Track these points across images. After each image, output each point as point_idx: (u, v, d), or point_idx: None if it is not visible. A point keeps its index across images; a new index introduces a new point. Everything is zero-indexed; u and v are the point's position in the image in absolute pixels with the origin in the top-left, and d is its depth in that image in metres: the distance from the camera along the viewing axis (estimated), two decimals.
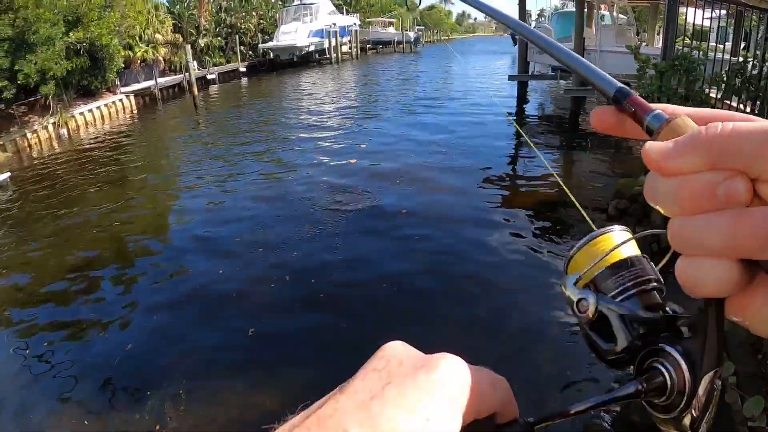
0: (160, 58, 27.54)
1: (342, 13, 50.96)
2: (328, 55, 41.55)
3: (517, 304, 6.64)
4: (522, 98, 20.84)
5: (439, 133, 15.69)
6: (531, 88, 23.64)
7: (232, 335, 6.11)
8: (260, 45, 37.27)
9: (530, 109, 21.43)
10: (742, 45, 9.92)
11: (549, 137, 16.43)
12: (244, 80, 32.50)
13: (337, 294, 6.90)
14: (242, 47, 35.90)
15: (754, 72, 7.84)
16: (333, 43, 41.57)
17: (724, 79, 8.13)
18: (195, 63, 26.54)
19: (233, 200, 10.52)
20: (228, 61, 34.37)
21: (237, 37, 35.43)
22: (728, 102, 8.24)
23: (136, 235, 9.14)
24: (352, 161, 13.06)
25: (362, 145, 14.81)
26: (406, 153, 13.56)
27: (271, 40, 37.92)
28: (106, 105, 20.98)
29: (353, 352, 5.34)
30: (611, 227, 0.55)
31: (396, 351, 0.42)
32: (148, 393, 5.12)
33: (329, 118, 18.77)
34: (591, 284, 0.50)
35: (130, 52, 24.81)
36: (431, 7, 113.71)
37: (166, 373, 5.42)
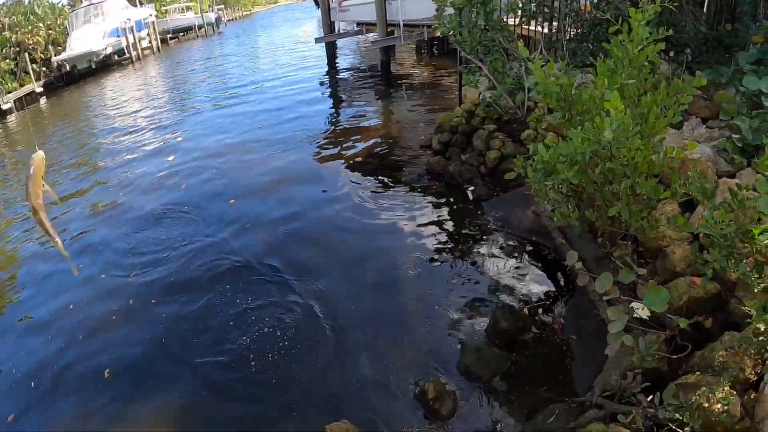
0: None
1: (135, 5, 47.23)
2: (128, 54, 38.20)
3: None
4: (332, 58, 20.61)
5: (255, 115, 14.81)
6: (341, 46, 23.42)
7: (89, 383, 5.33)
8: (53, 58, 33.31)
9: (343, 67, 21.23)
10: None
11: (366, 89, 16.41)
12: (43, 101, 28.75)
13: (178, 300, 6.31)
14: (35, 65, 31.44)
15: None
16: (131, 41, 37.90)
17: (520, 6, 8.34)
18: None
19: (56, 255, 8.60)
20: (22, 85, 30.18)
21: (27, 55, 31.27)
22: (527, 27, 8.48)
23: None
24: (170, 158, 12.06)
25: (179, 139, 13.73)
26: (223, 140, 12.69)
27: (64, 50, 34.16)
28: None
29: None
30: None
31: None
32: None
33: (141, 124, 16.76)
34: None
35: None
36: None
37: None
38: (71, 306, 6.72)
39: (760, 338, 2.69)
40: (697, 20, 7.00)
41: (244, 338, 5.37)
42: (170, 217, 8.63)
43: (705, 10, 7.25)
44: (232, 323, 5.63)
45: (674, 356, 3.31)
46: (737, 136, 5.06)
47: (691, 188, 3.15)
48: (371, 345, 5.04)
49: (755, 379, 2.89)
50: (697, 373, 3.01)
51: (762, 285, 2.72)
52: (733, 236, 2.76)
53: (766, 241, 2.65)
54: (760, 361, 2.90)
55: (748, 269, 2.77)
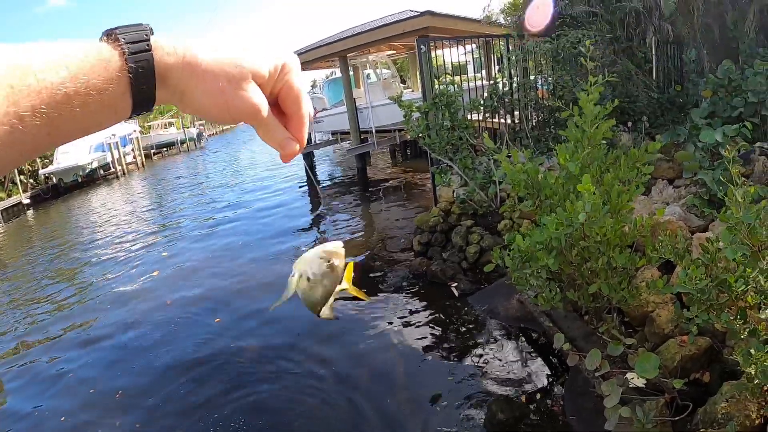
0: None
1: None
2: (113, 169, 38.70)
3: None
4: (311, 169, 21.04)
5: (238, 233, 14.66)
6: (318, 156, 23.98)
7: None
8: (40, 171, 33.79)
9: (321, 176, 21.68)
10: (497, 68, 10.77)
11: (345, 197, 16.68)
12: (30, 213, 28.78)
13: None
14: (22, 176, 31.94)
15: (507, 89, 8.49)
16: (116, 156, 38.78)
17: (482, 102, 8.70)
18: None
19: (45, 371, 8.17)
20: (9, 195, 30.46)
21: None
22: (492, 120, 8.81)
23: None
24: (155, 273, 12.02)
25: (164, 254, 13.71)
26: (206, 257, 12.66)
27: (51, 163, 34.74)
28: None
29: None
30: None
31: None
32: None
33: (125, 240, 16.79)
34: None
35: None
36: None
37: None
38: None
39: (755, 381, 2.64)
40: (648, 87, 7.36)
41: None
42: (156, 334, 8.45)
43: (654, 76, 7.63)
44: None
45: (676, 418, 3.22)
46: (703, 189, 5.20)
47: (664, 251, 3.20)
48: None
49: (762, 422, 2.84)
50: (701, 429, 2.94)
51: (747, 330, 2.71)
52: (710, 289, 2.78)
53: (742, 287, 2.67)
54: (764, 403, 2.85)
55: (731, 317, 2.77)
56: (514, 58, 8.63)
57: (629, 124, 6.52)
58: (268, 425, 5.48)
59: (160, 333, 8.48)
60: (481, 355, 5.96)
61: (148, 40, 0.61)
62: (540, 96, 8.38)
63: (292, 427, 5.38)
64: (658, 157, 4.19)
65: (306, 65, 19.77)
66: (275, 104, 0.73)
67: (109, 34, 0.62)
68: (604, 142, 4.26)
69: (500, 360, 5.77)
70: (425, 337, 6.73)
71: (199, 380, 6.75)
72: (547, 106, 7.98)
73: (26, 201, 30.38)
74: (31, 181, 33.54)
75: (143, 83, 0.61)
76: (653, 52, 8.65)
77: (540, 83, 8.51)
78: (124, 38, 0.60)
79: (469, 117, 8.84)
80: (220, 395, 6.28)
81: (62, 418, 6.52)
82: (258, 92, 0.67)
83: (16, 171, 30.87)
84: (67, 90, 0.56)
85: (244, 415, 5.69)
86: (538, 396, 4.92)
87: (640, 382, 3.31)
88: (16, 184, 31.04)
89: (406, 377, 5.90)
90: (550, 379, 5.16)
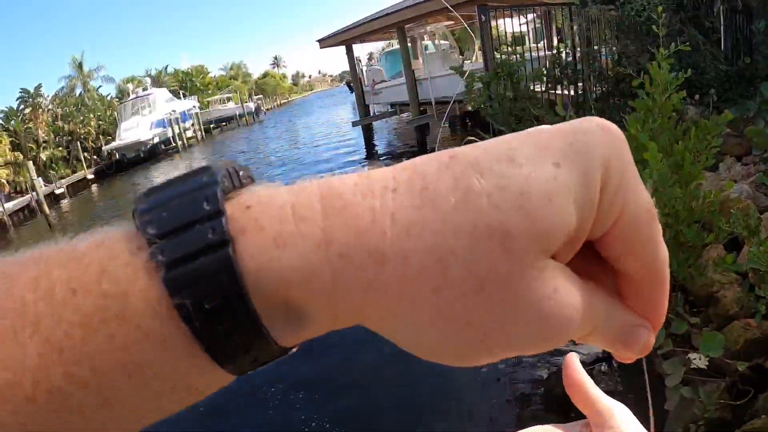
0: (3, 181, 25.29)
1: (179, 98, 49.87)
2: (173, 144, 39.75)
3: None
4: (369, 141, 21.06)
5: None
6: (377, 128, 24.03)
7: None
8: (104, 147, 35.40)
9: (380, 148, 21.66)
10: (556, 40, 10.49)
11: None
12: (95, 188, 30.20)
13: None
14: (86, 153, 33.71)
15: (570, 60, 8.26)
16: (177, 131, 39.75)
17: (545, 73, 8.50)
18: (41, 179, 24.36)
19: None
20: (74, 171, 32.03)
21: (78, 143, 33.36)
22: (554, 91, 8.61)
23: None
24: None
25: None
26: None
27: (114, 140, 36.17)
28: None
29: None
30: None
31: None
32: None
33: None
34: None
35: None
36: (265, 75, 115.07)
37: None
38: None
39: None
40: (715, 59, 7.05)
41: None
42: None
43: (722, 47, 7.32)
44: None
45: (737, 402, 3.13)
46: None
47: (735, 226, 3.08)
48: (424, 419, 4.90)
49: None
50: (763, 416, 2.85)
51: None
52: None
53: None
54: None
55: None
56: (576, 27, 8.37)
57: (696, 97, 6.25)
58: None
59: None
60: None
61: (219, 215, 0.25)
62: (604, 66, 8.12)
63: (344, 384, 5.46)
64: (727, 132, 4.01)
65: (363, 38, 19.69)
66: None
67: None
68: (674, 113, 4.11)
69: None
70: None
71: None
72: (612, 77, 7.74)
73: (90, 176, 31.85)
74: (95, 157, 35.15)
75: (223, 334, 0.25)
76: (721, 22, 8.25)
77: (604, 53, 8.26)
78: (152, 230, 0.25)
79: (531, 87, 8.66)
80: None
81: None
82: (568, 295, 0.28)
83: (80, 148, 32.43)
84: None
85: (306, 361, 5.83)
86: (594, 371, 4.86)
87: (702, 364, 3.22)
88: (80, 160, 32.53)
89: None
90: (608, 356, 5.08)
